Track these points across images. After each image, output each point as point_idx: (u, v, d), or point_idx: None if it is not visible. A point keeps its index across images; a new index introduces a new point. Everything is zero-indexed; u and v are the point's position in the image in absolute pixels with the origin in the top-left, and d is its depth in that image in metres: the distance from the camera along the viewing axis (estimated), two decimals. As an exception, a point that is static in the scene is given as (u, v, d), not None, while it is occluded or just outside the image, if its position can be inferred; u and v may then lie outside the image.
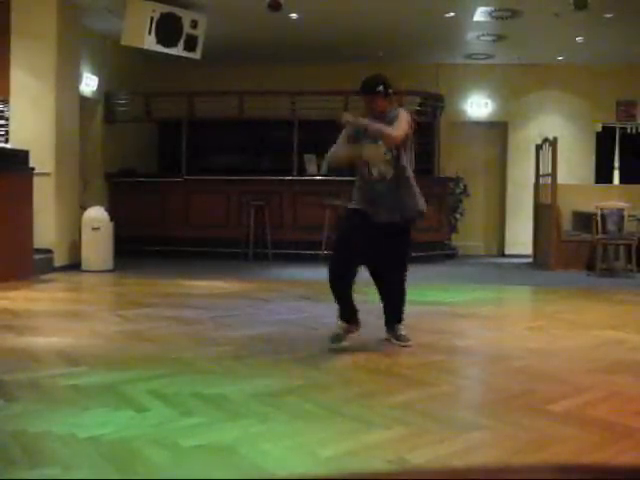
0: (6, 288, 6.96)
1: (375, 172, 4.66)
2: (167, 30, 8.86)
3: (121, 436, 2.89)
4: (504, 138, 12.37)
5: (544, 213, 10.23)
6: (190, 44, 9.14)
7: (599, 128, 12.13)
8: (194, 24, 9.06)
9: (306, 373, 3.99)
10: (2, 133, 8.53)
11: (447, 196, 11.25)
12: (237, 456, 2.71)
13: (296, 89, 10.91)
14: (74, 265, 8.75)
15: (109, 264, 8.78)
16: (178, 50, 9.11)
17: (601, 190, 10.70)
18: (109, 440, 2.84)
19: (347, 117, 4.80)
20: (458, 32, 10.23)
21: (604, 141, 12.19)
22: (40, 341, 4.77)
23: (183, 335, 5.03)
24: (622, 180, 11.98)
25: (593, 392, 3.67)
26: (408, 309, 4.90)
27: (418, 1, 8.87)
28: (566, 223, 10.08)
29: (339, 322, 4.78)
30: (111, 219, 8.88)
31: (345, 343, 4.69)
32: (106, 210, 9.03)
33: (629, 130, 12.13)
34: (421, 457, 2.72)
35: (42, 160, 8.18)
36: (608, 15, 8.94)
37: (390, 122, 4.59)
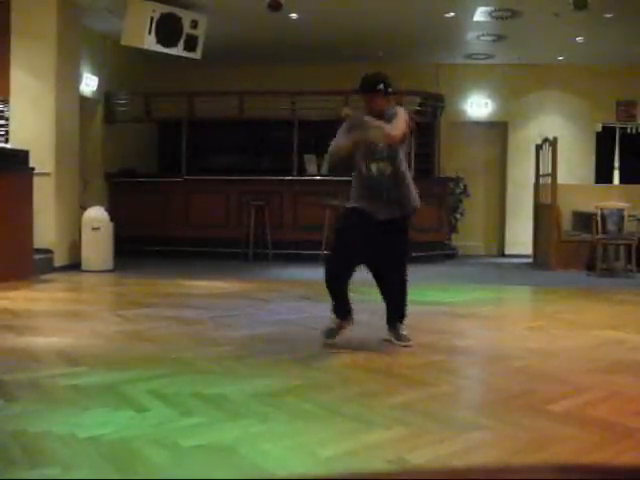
0: (6, 288, 6.96)
1: (374, 169, 4.67)
2: (167, 30, 8.86)
3: (121, 436, 2.89)
4: (504, 138, 12.38)
5: (544, 213, 10.23)
6: (190, 44, 9.14)
7: (598, 128, 12.13)
8: (194, 24, 9.06)
9: (306, 373, 3.99)
10: (2, 133, 8.53)
11: (447, 196, 11.25)
12: (237, 456, 2.71)
13: (296, 89, 10.91)
14: (74, 265, 8.75)
15: (109, 264, 8.78)
16: (178, 50, 9.11)
17: (601, 190, 10.70)
18: (109, 440, 2.84)
19: (347, 111, 4.82)
20: (458, 32, 10.23)
21: (604, 141, 12.19)
22: (40, 341, 4.77)
23: (183, 335, 5.03)
24: (622, 180, 11.98)
25: (593, 392, 3.67)
26: (408, 309, 4.90)
27: (418, 1, 8.87)
28: (566, 223, 10.08)
29: (332, 317, 4.84)
30: (111, 219, 8.88)
31: (338, 338, 4.78)
32: (106, 210, 9.03)
33: (629, 130, 12.13)
34: (421, 457, 2.72)
35: (42, 160, 8.18)
36: (608, 15, 8.94)
37: (388, 121, 4.59)
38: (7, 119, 8.51)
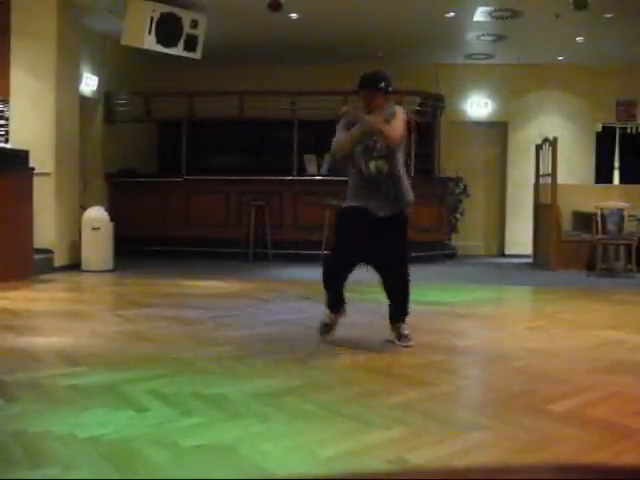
0: (6, 288, 6.96)
1: (372, 167, 4.69)
2: (167, 30, 8.86)
3: (121, 436, 2.89)
4: (504, 138, 12.38)
5: (544, 213, 10.23)
6: (190, 44, 9.14)
7: (598, 128, 12.13)
8: (194, 24, 9.06)
9: (306, 373, 3.99)
10: (2, 133, 8.53)
11: (447, 196, 11.26)
12: (237, 456, 2.71)
13: (296, 89, 10.91)
14: (74, 265, 8.75)
15: (109, 264, 8.78)
16: (178, 50, 9.11)
17: (601, 190, 10.70)
18: (109, 440, 2.84)
19: (345, 108, 4.84)
20: (458, 32, 10.23)
21: (604, 141, 12.19)
22: (40, 341, 4.77)
23: (183, 335, 5.03)
24: (622, 180, 11.98)
25: (593, 392, 3.67)
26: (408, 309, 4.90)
27: (418, 1, 8.87)
28: (566, 223, 10.08)
29: (326, 311, 4.89)
30: (111, 219, 8.88)
31: (334, 333, 4.86)
32: (106, 210, 9.03)
33: (629, 130, 12.13)
34: (421, 457, 2.72)
35: (42, 160, 8.18)
36: (608, 15, 8.94)
37: (387, 120, 4.60)
38: (7, 119, 8.51)
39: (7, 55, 8.41)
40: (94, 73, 10.33)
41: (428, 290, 7.27)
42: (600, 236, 9.16)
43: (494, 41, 10.57)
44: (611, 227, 9.20)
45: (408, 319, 4.86)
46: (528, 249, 11.11)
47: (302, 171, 10.57)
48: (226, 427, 3.04)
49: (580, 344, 4.90)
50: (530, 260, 10.87)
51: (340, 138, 4.75)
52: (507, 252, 12.17)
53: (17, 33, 8.41)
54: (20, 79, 8.42)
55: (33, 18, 8.38)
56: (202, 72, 11.32)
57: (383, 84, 4.68)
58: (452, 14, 9.23)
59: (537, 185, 10.72)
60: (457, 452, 2.80)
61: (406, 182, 4.79)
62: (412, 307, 4.96)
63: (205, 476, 2.56)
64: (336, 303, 4.87)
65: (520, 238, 11.72)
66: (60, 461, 2.64)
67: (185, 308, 6.18)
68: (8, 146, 8.21)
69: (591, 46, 10.59)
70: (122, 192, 10.72)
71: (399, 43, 10.88)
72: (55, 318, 5.79)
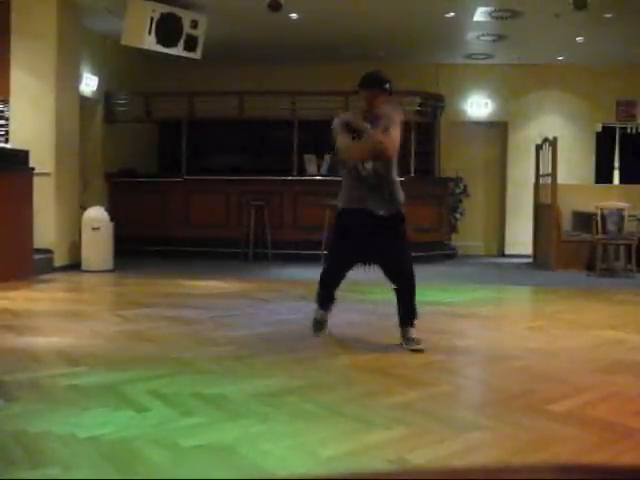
0: (6, 288, 6.96)
1: (369, 167, 4.69)
2: (167, 30, 8.86)
3: (121, 436, 2.89)
4: (504, 138, 12.37)
5: (544, 213, 10.23)
6: (190, 44, 9.14)
7: (598, 128, 12.13)
8: (194, 24, 9.06)
9: (306, 373, 3.99)
10: (2, 133, 8.53)
11: (447, 196, 11.26)
12: (237, 456, 2.71)
13: (296, 89, 10.91)
14: (74, 265, 8.75)
15: (109, 264, 8.78)
16: (178, 50, 9.10)
17: (601, 190, 10.70)
18: (109, 440, 2.84)
19: (348, 117, 4.81)
20: (458, 32, 10.22)
21: (604, 141, 12.19)
22: (40, 341, 4.77)
23: (183, 335, 5.03)
24: (622, 180, 11.98)
25: (593, 392, 3.67)
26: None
27: (418, 1, 8.87)
28: (566, 223, 10.08)
29: (315, 308, 4.98)
30: (111, 219, 8.88)
31: (326, 330, 4.96)
32: (106, 210, 9.03)
33: (629, 130, 12.13)
34: (421, 457, 2.72)
35: (42, 160, 8.18)
36: (608, 15, 8.94)
37: (386, 126, 4.61)
38: (7, 119, 8.51)
39: (7, 55, 8.41)
40: (94, 73, 10.33)
41: (428, 290, 7.26)
42: (600, 236, 9.15)
43: (494, 41, 10.56)
44: (611, 227, 9.20)
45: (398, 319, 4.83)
46: (528, 249, 11.11)
47: (302, 171, 10.57)
48: (226, 427, 3.04)
49: (580, 344, 4.90)
50: (530, 260, 10.87)
51: (350, 145, 4.69)
52: (507, 252, 12.16)
53: (17, 33, 8.41)
54: (20, 79, 8.42)
55: (33, 18, 8.38)
56: (202, 72, 11.31)
57: (388, 85, 4.70)
58: (452, 14, 9.23)
59: (537, 185, 10.72)
60: (457, 452, 2.80)
61: (398, 182, 4.81)
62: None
63: (205, 476, 2.56)
64: (327, 300, 4.98)
65: (520, 238, 11.72)
66: (60, 461, 2.64)
67: (185, 308, 6.18)
68: (8, 146, 8.21)
69: (591, 46, 10.59)
70: (122, 192, 10.72)
71: (399, 43, 10.88)
72: (55, 318, 5.79)
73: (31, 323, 5.49)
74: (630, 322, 5.86)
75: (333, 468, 2.62)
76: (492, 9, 9.01)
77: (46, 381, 3.70)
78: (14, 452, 2.70)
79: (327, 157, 10.19)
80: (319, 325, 4.99)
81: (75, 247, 8.85)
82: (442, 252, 10.93)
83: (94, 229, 8.70)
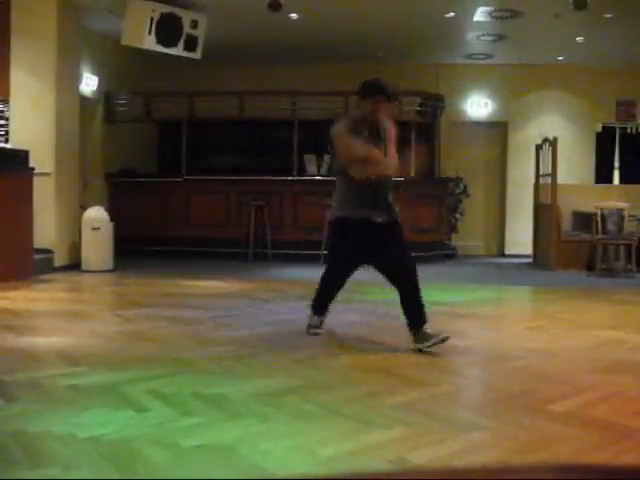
0: (6, 288, 6.96)
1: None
2: (167, 30, 8.86)
3: (121, 436, 2.89)
4: (504, 138, 12.37)
5: (544, 213, 10.23)
6: (190, 44, 9.14)
7: (598, 128, 12.13)
8: (194, 24, 9.06)
9: (306, 373, 3.99)
10: (2, 133, 8.53)
11: (447, 196, 11.25)
12: (237, 456, 2.71)
13: (296, 89, 10.91)
14: (74, 265, 8.74)
15: (109, 264, 8.78)
16: (178, 50, 9.10)
17: (601, 190, 10.70)
18: (109, 440, 2.84)
19: (351, 126, 4.76)
20: (458, 32, 10.22)
21: (604, 141, 12.19)
22: (40, 341, 4.76)
23: (183, 335, 5.03)
24: (622, 180, 11.98)
25: (593, 392, 3.67)
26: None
27: (418, 1, 8.87)
28: (566, 223, 10.07)
29: (311, 315, 5.03)
30: (111, 219, 8.88)
31: (322, 330, 4.99)
32: (106, 210, 9.03)
33: (629, 130, 12.13)
34: (421, 457, 2.72)
35: (42, 160, 8.17)
36: (608, 15, 8.94)
37: (384, 130, 4.66)
38: (7, 119, 8.51)
39: (7, 55, 8.40)
40: (94, 73, 10.33)
41: (428, 290, 7.22)
42: (600, 236, 9.15)
43: (494, 41, 10.56)
44: (611, 227, 9.20)
45: (406, 320, 4.82)
46: (528, 249, 11.11)
47: (302, 171, 10.57)
48: (226, 427, 3.04)
49: (580, 344, 4.90)
50: (530, 260, 10.87)
51: (360, 146, 4.65)
52: (507, 252, 12.16)
53: (17, 33, 8.40)
54: (20, 79, 8.42)
55: (33, 18, 8.38)
56: (202, 72, 11.31)
57: (390, 94, 4.73)
58: (452, 14, 9.23)
59: (537, 185, 10.72)
60: (457, 452, 2.80)
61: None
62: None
63: (205, 476, 2.56)
64: (323, 305, 5.00)
65: (520, 238, 11.72)
66: (60, 461, 2.64)
67: (185, 308, 6.18)
68: (8, 146, 8.21)
69: (591, 46, 10.59)
70: (122, 192, 10.71)
71: (399, 43, 10.88)
72: (55, 318, 5.79)
73: (31, 323, 5.49)
74: (630, 322, 5.86)
75: (333, 468, 2.62)
76: (492, 9, 9.01)
77: (46, 381, 3.70)
78: (14, 452, 2.70)
79: (327, 157, 10.19)
80: (315, 326, 5.01)
81: (75, 247, 8.85)
82: (442, 252, 10.93)
83: (94, 229, 8.70)
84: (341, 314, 5.46)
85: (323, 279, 4.96)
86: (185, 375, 3.91)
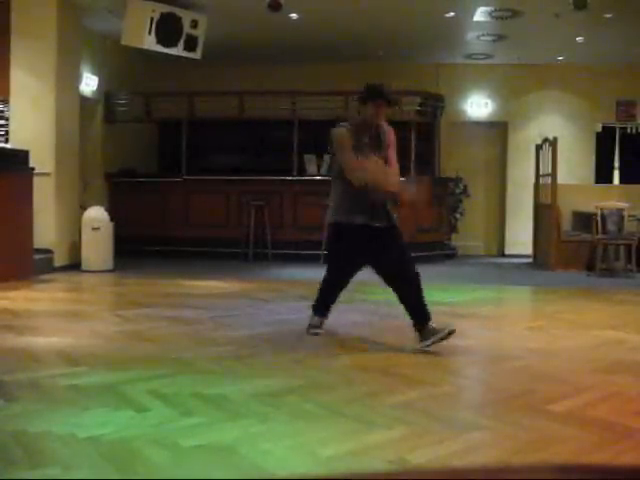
0: (6, 288, 6.96)
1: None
2: (167, 30, 8.86)
3: (121, 436, 2.89)
4: (504, 138, 12.37)
5: (544, 213, 10.23)
6: (190, 44, 9.14)
7: (598, 128, 12.13)
8: (194, 24, 9.06)
9: (306, 373, 3.99)
10: (2, 133, 8.53)
11: (447, 196, 11.25)
12: (237, 456, 2.71)
13: (296, 89, 10.91)
14: (74, 265, 8.74)
15: (109, 264, 8.78)
16: (178, 50, 9.10)
17: (601, 190, 10.70)
18: (109, 440, 2.84)
19: (351, 135, 4.74)
20: (458, 32, 10.22)
21: (604, 141, 12.19)
22: (40, 341, 4.76)
23: (183, 335, 5.03)
24: (622, 180, 11.98)
25: (593, 392, 3.67)
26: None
27: (418, 1, 8.87)
28: (566, 223, 10.08)
29: (312, 315, 5.02)
30: (111, 219, 8.88)
31: (322, 330, 5.00)
32: (106, 210, 9.03)
33: (629, 130, 12.13)
34: (422, 457, 2.72)
35: (42, 160, 8.17)
36: (608, 15, 8.94)
37: (384, 134, 4.69)
38: (7, 119, 8.51)
39: (7, 55, 8.40)
40: (94, 73, 10.33)
41: (428, 290, 7.22)
42: (600, 236, 9.15)
43: (494, 41, 10.56)
44: (611, 227, 9.20)
45: (407, 319, 4.81)
46: (528, 249, 11.11)
47: (302, 171, 10.56)
48: (226, 427, 3.04)
49: (580, 344, 4.90)
50: (530, 260, 10.87)
51: (362, 170, 4.61)
52: (507, 252, 12.16)
53: (17, 33, 8.40)
54: (20, 79, 8.42)
55: (33, 18, 8.38)
56: (202, 72, 11.31)
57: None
58: (452, 14, 9.23)
59: (537, 185, 10.72)
60: (457, 452, 2.80)
61: None
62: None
63: (205, 476, 2.56)
64: (325, 306, 5.00)
65: (520, 238, 11.72)
66: (60, 461, 2.64)
67: (185, 308, 6.18)
68: (8, 146, 8.21)
69: (591, 46, 10.59)
70: (122, 192, 10.72)
71: (399, 43, 10.88)
72: (55, 318, 5.79)
73: (31, 323, 5.49)
74: (630, 322, 5.86)
75: (333, 468, 2.62)
76: (492, 9, 9.01)
77: (46, 381, 3.70)
78: (14, 452, 2.70)
79: (327, 157, 10.18)
80: (315, 326, 5.01)
81: (75, 247, 8.85)
82: (442, 252, 10.93)
83: (94, 229, 8.70)
84: (343, 314, 5.46)
85: (325, 280, 4.97)
86: (185, 375, 3.90)
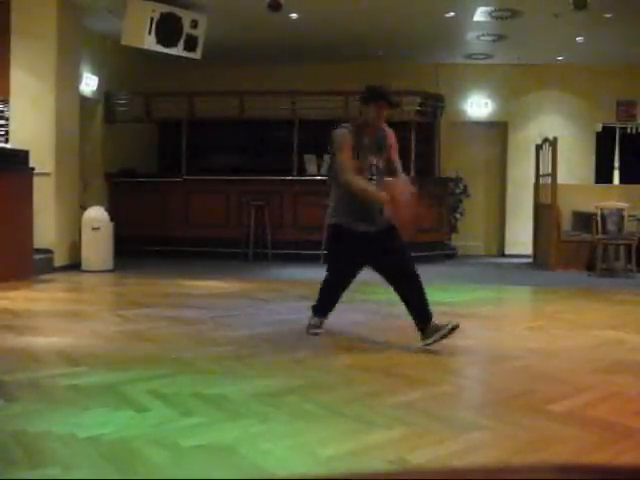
0: (6, 288, 6.96)
1: (373, 180, 4.71)
2: (167, 30, 8.86)
3: (121, 436, 2.89)
4: (504, 138, 12.37)
5: (544, 213, 10.23)
6: (190, 44, 9.14)
7: (598, 128, 12.13)
8: (194, 24, 9.06)
9: (306, 373, 3.99)
10: (2, 133, 8.53)
11: (447, 196, 11.25)
12: (237, 456, 2.71)
13: (296, 89, 10.91)
14: (74, 265, 8.75)
15: (109, 264, 8.78)
16: (178, 50, 9.11)
17: (601, 190, 10.70)
18: (109, 440, 2.84)
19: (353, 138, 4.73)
20: (458, 32, 10.23)
21: (604, 141, 12.19)
22: (40, 341, 4.76)
23: (183, 335, 5.03)
24: (622, 180, 11.98)
25: (593, 392, 3.67)
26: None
27: (418, 1, 8.87)
28: (566, 223, 10.08)
29: (311, 316, 5.02)
30: (111, 219, 8.89)
31: (322, 330, 5.00)
32: (106, 210, 9.03)
33: (629, 130, 12.13)
34: (422, 457, 2.72)
35: (42, 160, 8.17)
36: (608, 15, 8.94)
37: (387, 137, 4.70)
38: (7, 119, 8.51)
39: (7, 55, 8.41)
40: (94, 73, 10.33)
41: (428, 290, 7.23)
42: (600, 236, 9.15)
43: (494, 41, 10.56)
44: (611, 227, 9.20)
45: (407, 319, 4.81)
46: (528, 249, 11.11)
47: (302, 171, 10.56)
48: (226, 427, 3.04)
49: (580, 344, 4.90)
50: (530, 260, 10.87)
51: (358, 179, 4.60)
52: (507, 252, 12.17)
53: (17, 33, 8.41)
54: (20, 79, 8.42)
55: (33, 18, 8.38)
56: (202, 72, 11.31)
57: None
58: (452, 14, 9.23)
59: (537, 185, 10.72)
60: (457, 452, 2.80)
61: None
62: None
63: (205, 476, 2.56)
64: (325, 306, 5.00)
65: (520, 238, 11.72)
66: (60, 461, 2.64)
67: (185, 308, 6.18)
68: (8, 146, 8.21)
69: (591, 46, 10.59)
70: (122, 192, 10.72)
71: (399, 43, 10.88)
72: (55, 318, 5.79)
73: (31, 323, 5.49)
74: (630, 322, 5.86)
75: (333, 468, 2.62)
76: (492, 9, 9.01)
77: (46, 381, 3.70)
78: (14, 452, 2.70)
79: (327, 157, 10.18)
80: (315, 326, 5.01)
81: (75, 247, 8.85)
82: (442, 252, 10.93)
83: (94, 229, 8.70)
84: (344, 314, 5.45)
85: (326, 280, 4.96)
86: (185, 375, 3.90)
